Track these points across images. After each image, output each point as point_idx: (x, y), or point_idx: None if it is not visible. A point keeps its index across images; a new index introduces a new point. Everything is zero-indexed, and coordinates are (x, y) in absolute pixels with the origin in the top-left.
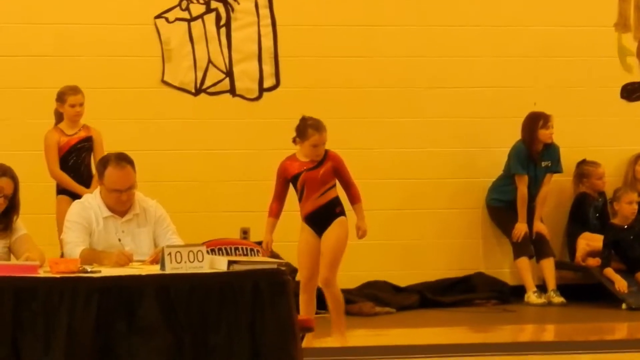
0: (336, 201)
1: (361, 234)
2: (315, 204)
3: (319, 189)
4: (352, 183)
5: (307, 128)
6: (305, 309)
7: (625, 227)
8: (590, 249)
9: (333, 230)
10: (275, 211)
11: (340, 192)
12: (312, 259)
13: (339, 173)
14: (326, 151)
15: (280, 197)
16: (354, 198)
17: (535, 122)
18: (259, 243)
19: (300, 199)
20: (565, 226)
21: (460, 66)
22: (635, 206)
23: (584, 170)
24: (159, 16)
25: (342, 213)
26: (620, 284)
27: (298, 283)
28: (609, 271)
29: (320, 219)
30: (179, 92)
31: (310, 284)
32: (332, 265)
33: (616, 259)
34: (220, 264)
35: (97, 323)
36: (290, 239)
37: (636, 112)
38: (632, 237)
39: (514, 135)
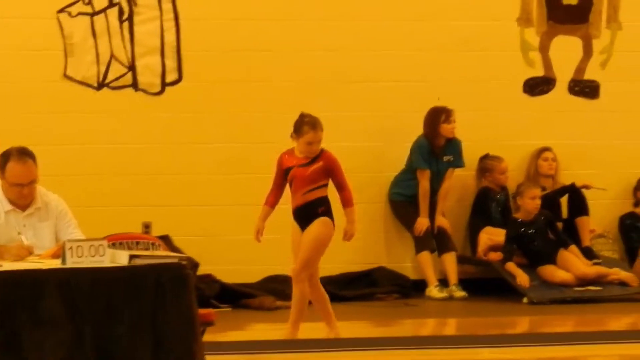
0: (322, 201)
1: (347, 237)
2: (301, 200)
3: (306, 186)
4: (344, 186)
5: (303, 125)
6: (296, 302)
7: (528, 221)
8: (492, 243)
9: (312, 228)
10: (271, 201)
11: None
12: (297, 254)
13: (332, 174)
14: (322, 150)
15: (277, 187)
16: (345, 201)
17: (437, 116)
18: (161, 237)
19: (291, 192)
20: (467, 220)
21: (364, 61)
22: (538, 201)
23: (486, 164)
24: (61, 10)
25: (326, 214)
26: (522, 278)
27: (199, 277)
28: (511, 265)
29: (304, 216)
30: (82, 87)
31: (300, 277)
32: (305, 262)
33: (518, 254)
34: (121, 258)
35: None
36: (193, 233)
37: (538, 106)
38: (534, 232)
39: (418, 129)
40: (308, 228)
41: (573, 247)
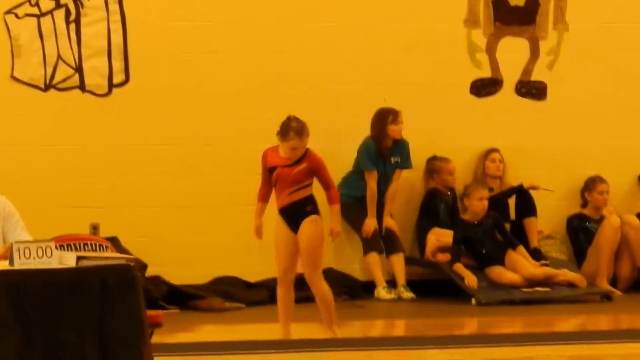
0: (308, 200)
1: (333, 236)
2: (286, 200)
3: (291, 186)
4: (330, 185)
5: (289, 130)
6: (281, 302)
7: (475, 222)
8: (440, 244)
9: (305, 230)
10: (264, 196)
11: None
12: (287, 253)
13: (317, 175)
14: (306, 151)
15: (266, 183)
16: (330, 200)
17: (384, 117)
18: (109, 239)
19: (276, 192)
20: (415, 222)
21: (311, 62)
22: (486, 202)
23: (434, 166)
24: (8, 12)
25: (314, 212)
26: (470, 279)
27: (147, 279)
28: (459, 267)
29: (292, 215)
30: (29, 88)
31: (285, 277)
32: (311, 264)
33: (466, 255)
34: (69, 259)
35: None
36: (141, 235)
37: (486, 108)
38: (481, 233)
39: (365, 131)
40: (300, 231)
41: (521, 248)
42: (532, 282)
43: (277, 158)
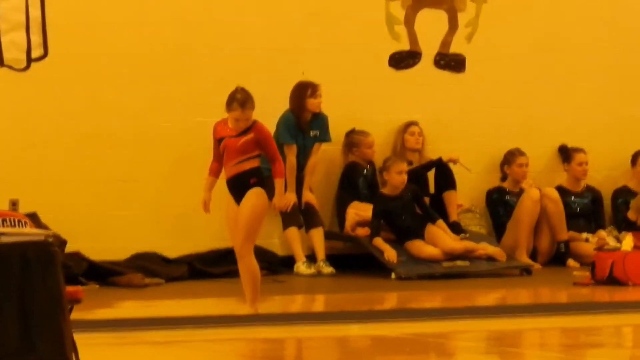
0: (253, 172)
1: (276, 209)
2: (232, 171)
3: (236, 157)
4: (275, 158)
5: (233, 101)
6: (242, 277)
7: (395, 196)
8: (359, 218)
9: (247, 201)
10: (215, 170)
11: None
12: (232, 227)
13: (262, 146)
14: (254, 122)
15: (217, 157)
16: (275, 173)
17: (303, 91)
18: (29, 215)
19: (224, 163)
20: (335, 196)
21: (229, 33)
22: (405, 176)
23: (353, 139)
24: None
25: (259, 184)
26: (390, 253)
27: (67, 255)
28: (378, 241)
29: (236, 187)
30: None
31: (241, 251)
32: (246, 237)
33: (386, 229)
34: None
35: None
36: (60, 210)
37: (404, 80)
38: (401, 207)
39: (283, 104)
40: (242, 202)
41: (440, 222)
42: (451, 256)
43: (225, 129)
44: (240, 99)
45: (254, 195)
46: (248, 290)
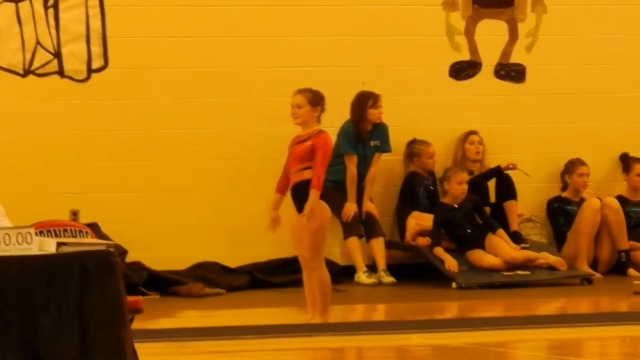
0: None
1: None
2: (294, 178)
3: (296, 165)
4: (319, 170)
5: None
6: (306, 287)
7: (455, 206)
8: (420, 228)
9: (306, 215)
10: (281, 187)
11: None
12: (295, 236)
13: (314, 153)
14: (319, 131)
15: (285, 172)
16: (312, 184)
17: (364, 101)
18: (89, 225)
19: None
20: (395, 205)
21: (288, 46)
22: (465, 186)
23: (414, 149)
24: None
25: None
26: (451, 263)
27: (127, 265)
28: (439, 250)
29: (298, 195)
30: (7, 74)
31: (304, 262)
32: (313, 248)
33: (446, 239)
34: (49, 245)
35: None
36: (121, 220)
37: (464, 90)
38: (461, 216)
39: (344, 115)
40: (303, 216)
41: (501, 232)
42: (512, 266)
43: (296, 138)
44: (302, 88)
45: (310, 210)
46: (319, 300)
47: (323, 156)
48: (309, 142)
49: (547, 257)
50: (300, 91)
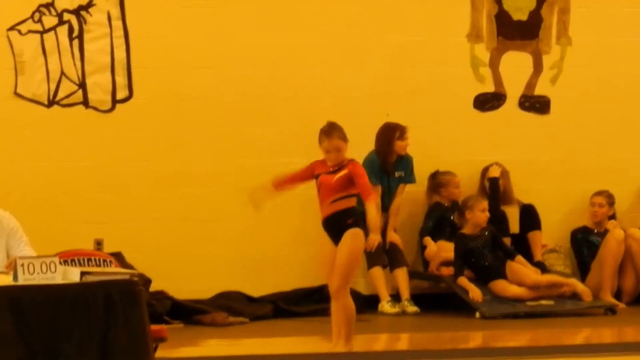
0: (349, 212)
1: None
2: (328, 210)
3: (332, 195)
4: (368, 193)
5: (321, 133)
6: (334, 316)
7: (475, 235)
8: (443, 258)
9: (345, 242)
10: (279, 184)
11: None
12: (327, 267)
13: (356, 182)
14: (350, 160)
15: (295, 178)
16: (364, 198)
17: (391, 133)
18: (113, 254)
19: (319, 201)
20: (418, 236)
21: (314, 76)
22: (487, 214)
23: (441, 180)
24: (11, 28)
25: (356, 224)
26: (475, 293)
27: (151, 294)
28: (463, 280)
29: (332, 227)
30: (32, 104)
31: (336, 293)
32: (342, 276)
33: (467, 269)
34: (73, 275)
35: None
36: (145, 250)
37: (489, 122)
38: (482, 246)
39: (367, 145)
40: (340, 244)
41: (519, 257)
42: (537, 289)
43: (323, 167)
44: (324, 129)
45: (352, 237)
46: (343, 329)
47: (366, 180)
48: (344, 172)
49: (576, 285)
50: (331, 134)
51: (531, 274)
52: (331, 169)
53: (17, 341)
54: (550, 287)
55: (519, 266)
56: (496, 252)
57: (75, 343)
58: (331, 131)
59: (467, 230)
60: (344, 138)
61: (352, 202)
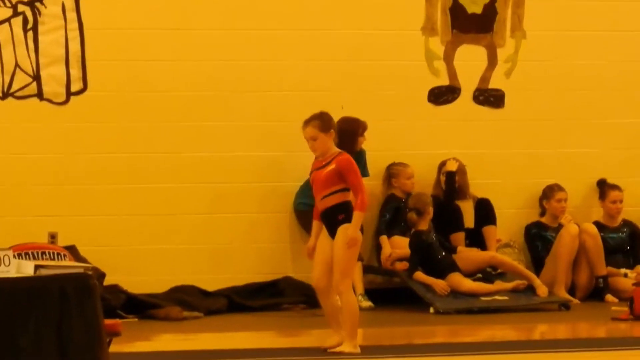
0: (340, 207)
1: (346, 241)
2: (321, 205)
3: (322, 190)
4: (358, 190)
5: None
6: (326, 310)
7: (427, 230)
8: (397, 255)
9: (338, 238)
10: (317, 212)
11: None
12: (321, 258)
13: (344, 178)
14: (339, 153)
15: (313, 189)
16: (355, 205)
17: (355, 129)
18: (67, 247)
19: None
20: (374, 230)
21: (268, 70)
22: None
23: (393, 170)
24: None
25: (347, 220)
26: (438, 285)
27: (105, 287)
28: (420, 275)
29: (327, 221)
30: None
31: (319, 283)
32: (342, 274)
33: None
34: (27, 268)
35: None
36: (99, 243)
37: (443, 115)
38: (434, 241)
39: None
40: (335, 240)
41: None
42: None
43: (316, 163)
44: (307, 119)
45: (344, 234)
46: (347, 326)
47: (356, 175)
48: (332, 167)
49: (534, 279)
50: (307, 122)
51: (465, 283)
52: (323, 164)
53: None
54: (506, 267)
55: (465, 249)
56: (446, 246)
57: (31, 335)
58: (308, 120)
59: (422, 226)
60: (322, 128)
61: (342, 197)
